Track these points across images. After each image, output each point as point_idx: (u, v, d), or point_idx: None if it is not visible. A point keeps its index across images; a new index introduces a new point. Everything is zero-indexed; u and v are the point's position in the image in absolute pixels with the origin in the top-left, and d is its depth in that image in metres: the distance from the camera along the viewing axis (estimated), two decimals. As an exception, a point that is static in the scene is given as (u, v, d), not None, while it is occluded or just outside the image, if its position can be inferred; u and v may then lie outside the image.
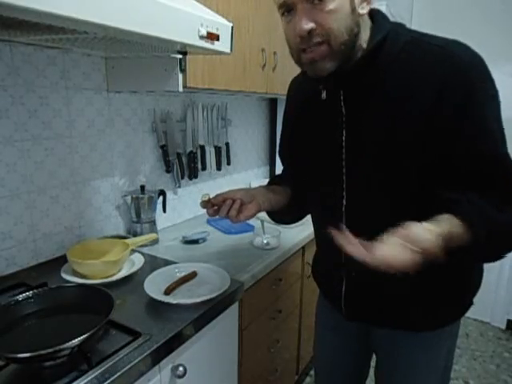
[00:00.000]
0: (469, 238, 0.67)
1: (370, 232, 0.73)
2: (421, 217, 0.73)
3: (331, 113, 0.82)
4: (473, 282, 0.89)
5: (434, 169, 0.73)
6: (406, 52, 0.73)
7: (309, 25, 0.68)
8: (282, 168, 1.14)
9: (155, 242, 1.45)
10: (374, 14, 0.77)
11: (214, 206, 0.92)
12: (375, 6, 0.81)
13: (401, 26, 0.77)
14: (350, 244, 0.64)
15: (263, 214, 1.68)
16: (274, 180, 1.12)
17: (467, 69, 0.69)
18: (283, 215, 1.08)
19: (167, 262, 1.25)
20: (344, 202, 0.84)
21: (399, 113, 0.73)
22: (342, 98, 0.80)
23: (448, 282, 0.84)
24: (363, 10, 0.71)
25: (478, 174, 0.72)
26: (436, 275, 0.82)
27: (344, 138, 0.81)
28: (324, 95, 0.82)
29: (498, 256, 0.75)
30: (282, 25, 0.77)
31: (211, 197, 0.92)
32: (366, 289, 0.88)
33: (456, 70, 0.69)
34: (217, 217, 0.93)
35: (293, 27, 0.71)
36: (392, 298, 0.86)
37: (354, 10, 0.70)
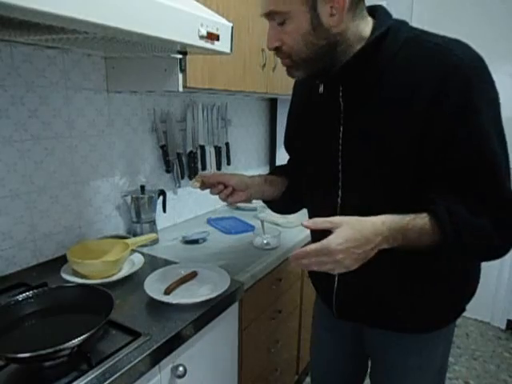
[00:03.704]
0: (439, 234, 0.71)
1: None
2: (413, 213, 0.74)
3: (330, 107, 0.83)
4: (467, 289, 0.88)
5: (429, 167, 0.73)
6: (405, 49, 0.73)
7: (273, 44, 0.77)
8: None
9: (155, 242, 1.45)
10: (376, 11, 0.78)
11: (205, 184, 0.97)
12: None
13: (403, 23, 0.77)
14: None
15: (264, 215, 1.69)
16: (275, 170, 1.13)
17: (466, 69, 0.68)
18: (276, 205, 1.10)
19: (167, 262, 1.25)
20: (339, 195, 0.85)
21: (396, 111, 0.73)
22: (340, 92, 0.80)
23: (438, 286, 0.84)
24: (334, 22, 0.72)
25: (467, 176, 0.71)
26: (425, 279, 0.82)
27: (341, 134, 0.82)
28: (321, 89, 0.84)
29: (472, 257, 0.79)
30: None
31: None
32: (357, 287, 0.88)
33: (455, 69, 0.68)
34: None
35: None
36: (381, 298, 0.86)
37: (317, 26, 0.71)
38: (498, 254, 0.74)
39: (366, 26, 0.75)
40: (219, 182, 0.96)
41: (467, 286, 0.88)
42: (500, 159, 0.71)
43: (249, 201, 1.01)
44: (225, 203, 1.74)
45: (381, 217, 0.71)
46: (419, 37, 0.74)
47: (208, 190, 0.99)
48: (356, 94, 0.78)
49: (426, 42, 0.72)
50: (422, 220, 0.72)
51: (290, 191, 1.05)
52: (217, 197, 0.99)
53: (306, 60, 0.76)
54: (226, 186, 0.96)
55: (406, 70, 0.72)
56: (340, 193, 0.84)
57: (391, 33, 0.74)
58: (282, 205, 1.09)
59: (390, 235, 0.70)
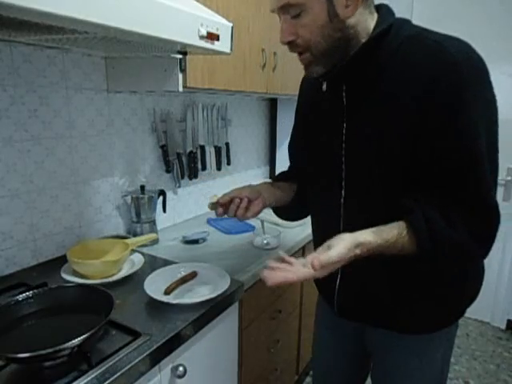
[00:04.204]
0: (413, 246, 0.72)
1: (366, 226, 0.74)
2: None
3: (333, 105, 0.83)
4: (468, 291, 0.88)
5: (423, 167, 0.73)
6: (406, 46, 0.73)
7: (287, 38, 0.75)
8: (283, 167, 1.14)
9: (155, 242, 1.45)
10: (380, 9, 0.78)
11: (222, 206, 0.93)
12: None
13: (406, 21, 0.77)
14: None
15: (263, 215, 1.69)
16: (279, 176, 1.12)
17: (463, 68, 0.68)
18: (287, 211, 1.09)
19: (167, 262, 1.25)
20: (342, 194, 0.84)
21: (395, 107, 0.73)
22: (343, 90, 0.80)
23: (438, 287, 0.83)
24: (348, 13, 0.71)
25: (450, 178, 0.71)
26: (425, 280, 0.82)
27: (344, 131, 0.81)
28: (324, 87, 0.83)
29: (448, 264, 0.79)
30: None
31: (219, 197, 0.93)
32: (358, 287, 0.88)
33: (451, 67, 0.68)
34: (225, 216, 0.95)
35: None
36: (382, 298, 0.86)
37: (334, 17, 0.71)
38: (474, 259, 0.77)
39: (372, 23, 0.76)
40: (232, 197, 0.93)
41: (468, 287, 0.88)
42: (486, 162, 0.70)
43: (265, 207, 0.97)
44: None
45: (367, 241, 0.71)
46: (420, 34, 0.74)
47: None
48: (358, 90, 0.79)
49: (426, 40, 0.72)
50: (402, 239, 0.73)
51: (300, 195, 1.04)
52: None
53: (324, 53, 0.75)
54: (240, 200, 0.92)
55: (406, 67, 0.73)
56: (343, 192, 0.84)
57: (393, 30, 0.74)
58: (293, 210, 1.07)
59: (368, 255, 0.72)
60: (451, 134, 0.69)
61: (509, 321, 2.52)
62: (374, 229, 0.73)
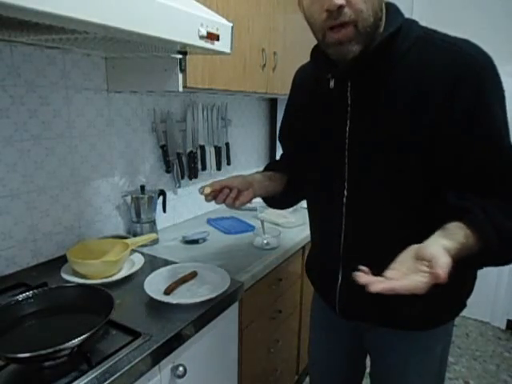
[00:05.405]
0: (480, 247, 0.67)
1: (369, 226, 0.73)
2: (420, 212, 0.73)
3: (337, 103, 0.82)
4: (466, 285, 0.88)
5: (440, 167, 0.73)
6: (417, 48, 0.73)
7: (339, 1, 0.66)
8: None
9: (155, 242, 1.45)
10: (388, 7, 0.77)
11: (212, 193, 0.92)
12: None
13: (414, 22, 0.77)
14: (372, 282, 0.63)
15: (263, 215, 1.69)
16: (270, 166, 1.12)
17: (480, 70, 0.69)
18: (277, 201, 1.09)
19: (167, 262, 1.25)
20: (345, 194, 0.84)
21: (407, 108, 0.73)
22: (349, 88, 0.80)
23: (441, 284, 0.83)
24: None
25: (485, 175, 0.72)
26: None
27: (348, 129, 0.81)
28: (332, 84, 0.82)
29: (506, 262, 0.76)
30: (304, 4, 0.74)
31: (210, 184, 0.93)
32: (361, 286, 0.87)
33: (469, 70, 0.69)
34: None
35: (320, 2, 0.69)
36: (385, 296, 0.86)
37: None
38: None
39: (383, 20, 0.75)
40: (222, 186, 0.93)
41: (468, 280, 0.88)
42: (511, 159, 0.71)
43: (254, 198, 0.97)
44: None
45: (449, 247, 0.63)
46: (431, 36, 0.74)
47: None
48: (365, 90, 0.78)
49: (438, 41, 0.72)
50: (468, 240, 0.66)
51: (291, 185, 1.05)
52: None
53: (368, 30, 0.70)
54: (230, 189, 0.93)
55: (418, 68, 0.72)
56: (345, 192, 0.84)
57: (403, 31, 0.74)
58: (284, 200, 1.08)
59: None
60: (480, 132, 0.70)
61: (509, 321, 2.52)
62: (441, 233, 0.65)
